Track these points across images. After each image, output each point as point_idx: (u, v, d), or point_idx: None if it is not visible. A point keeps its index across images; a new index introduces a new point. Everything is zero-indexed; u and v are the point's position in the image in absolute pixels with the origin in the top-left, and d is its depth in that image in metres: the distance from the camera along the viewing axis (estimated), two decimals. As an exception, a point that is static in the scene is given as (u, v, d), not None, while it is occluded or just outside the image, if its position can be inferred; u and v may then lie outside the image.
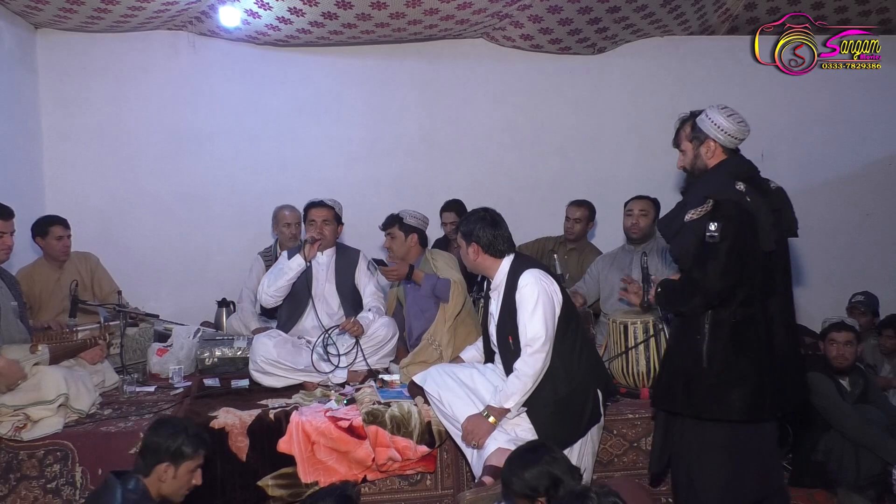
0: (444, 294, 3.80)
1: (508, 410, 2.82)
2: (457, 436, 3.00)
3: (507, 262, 2.98)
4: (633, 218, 4.14)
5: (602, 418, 3.00)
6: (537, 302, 2.80)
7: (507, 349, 2.94)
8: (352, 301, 4.01)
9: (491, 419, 2.82)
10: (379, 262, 3.99)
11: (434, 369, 3.20)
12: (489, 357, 3.21)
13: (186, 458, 2.39)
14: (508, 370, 2.90)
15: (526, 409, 2.85)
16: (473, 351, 3.36)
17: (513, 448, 2.73)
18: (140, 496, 2.31)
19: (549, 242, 4.92)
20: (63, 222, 4.29)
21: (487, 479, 2.67)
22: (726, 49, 5.74)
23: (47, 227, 4.22)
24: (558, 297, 2.89)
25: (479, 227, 2.96)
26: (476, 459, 2.88)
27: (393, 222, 3.99)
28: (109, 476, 2.35)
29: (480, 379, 3.05)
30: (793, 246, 6.07)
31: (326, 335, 3.74)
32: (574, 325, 2.95)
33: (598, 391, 2.94)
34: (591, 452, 2.98)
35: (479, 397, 2.97)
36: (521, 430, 2.86)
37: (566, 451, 2.83)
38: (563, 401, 2.85)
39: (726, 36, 5.74)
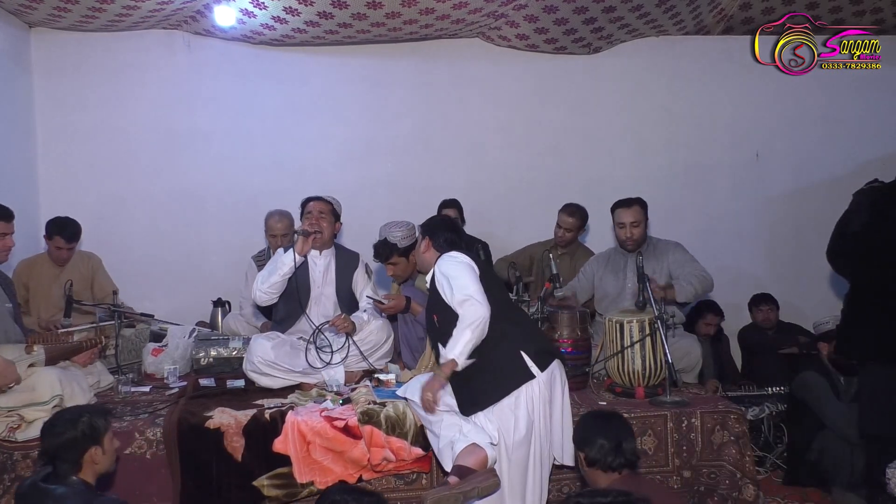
0: None
1: (455, 362, 2.80)
2: (434, 440, 3.00)
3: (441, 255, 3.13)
4: (626, 230, 4.02)
5: (540, 378, 2.89)
6: (454, 269, 2.95)
7: (433, 328, 3.10)
8: (349, 305, 3.96)
9: (439, 373, 2.85)
10: (376, 301, 3.89)
11: (414, 380, 3.22)
12: None
13: (104, 432, 2.40)
14: (435, 348, 3.06)
15: (474, 360, 2.86)
16: None
17: (484, 450, 2.76)
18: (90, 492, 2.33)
19: (539, 248, 4.91)
20: (67, 236, 4.33)
21: (452, 479, 2.67)
22: (722, 49, 5.76)
23: (52, 234, 4.33)
24: (473, 264, 3.00)
25: (437, 225, 3.25)
26: (448, 457, 2.86)
27: (391, 252, 3.88)
28: (39, 485, 2.30)
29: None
30: (787, 246, 6.16)
31: (317, 332, 3.72)
32: (491, 294, 2.97)
33: (523, 353, 2.90)
34: (544, 411, 2.91)
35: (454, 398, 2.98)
36: (490, 429, 2.86)
37: (504, 415, 2.85)
38: (477, 365, 2.87)
39: (721, 36, 5.75)
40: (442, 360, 2.86)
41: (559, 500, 3.13)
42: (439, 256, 3.09)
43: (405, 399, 3.20)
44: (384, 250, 3.90)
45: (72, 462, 2.33)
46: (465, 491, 2.59)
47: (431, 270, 3.10)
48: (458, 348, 2.79)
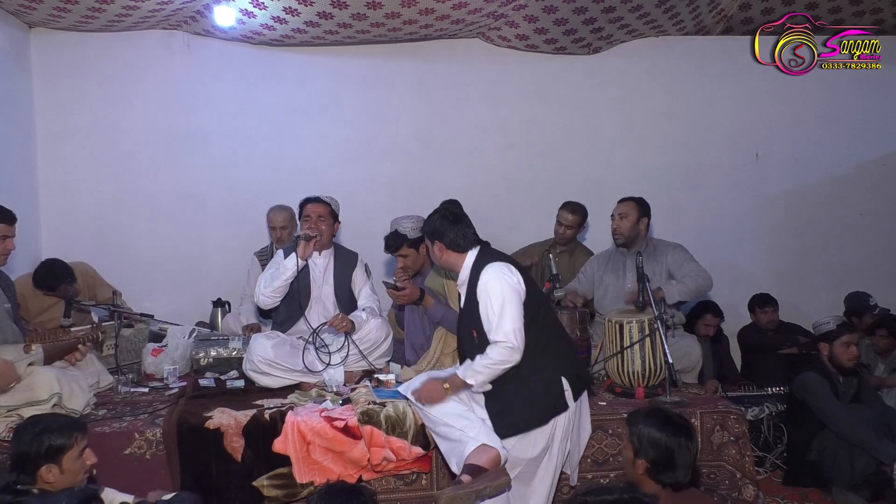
0: (451, 326, 3.75)
1: (469, 385, 2.86)
2: (441, 442, 2.98)
3: (471, 256, 2.99)
4: (613, 222, 4.10)
5: (570, 408, 2.91)
6: (504, 297, 2.81)
7: (470, 343, 2.96)
8: (348, 305, 3.97)
9: (446, 386, 2.90)
10: (389, 286, 3.87)
11: (419, 378, 3.17)
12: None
13: (64, 452, 2.29)
14: (462, 359, 2.98)
15: (490, 387, 2.87)
16: None
17: (495, 448, 2.75)
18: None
19: (538, 248, 4.91)
20: (71, 275, 4.04)
21: (465, 478, 2.66)
22: (721, 49, 5.76)
23: (55, 286, 4.02)
24: (522, 287, 2.88)
25: (440, 225, 3.00)
26: (456, 458, 2.86)
27: (401, 242, 3.85)
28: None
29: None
30: (787, 246, 6.16)
31: (315, 334, 3.72)
32: (540, 315, 2.94)
33: (564, 379, 2.88)
34: (564, 438, 2.92)
35: (462, 401, 2.97)
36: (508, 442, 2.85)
37: (526, 436, 2.83)
38: (517, 388, 2.85)
39: (721, 36, 5.75)
40: (461, 375, 2.85)
41: (564, 501, 3.13)
42: (482, 261, 2.93)
43: (407, 398, 3.20)
44: (394, 241, 3.90)
45: (28, 474, 2.27)
46: (477, 490, 2.59)
47: (465, 274, 2.98)
48: (480, 379, 2.82)
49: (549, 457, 2.89)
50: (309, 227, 3.82)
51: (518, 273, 2.91)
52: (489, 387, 2.87)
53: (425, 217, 3.20)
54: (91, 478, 2.45)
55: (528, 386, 2.84)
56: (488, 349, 2.81)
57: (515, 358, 2.80)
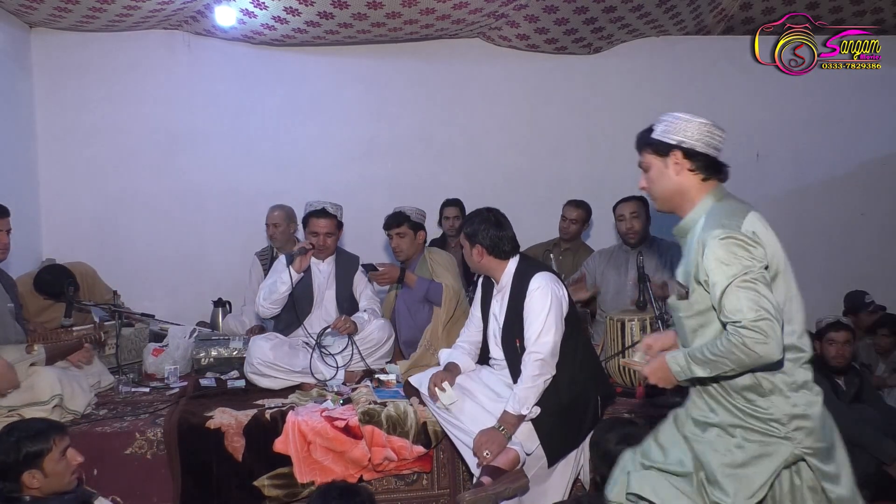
0: (436, 298, 3.80)
1: (523, 417, 2.78)
2: (455, 437, 2.98)
3: (512, 263, 2.98)
4: (626, 222, 4.05)
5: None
6: (550, 308, 2.80)
7: (513, 352, 2.93)
8: (349, 308, 3.99)
9: (503, 430, 2.76)
10: (369, 267, 3.93)
11: (427, 374, 3.16)
12: (484, 358, 3.19)
13: (43, 456, 2.22)
14: (514, 372, 2.90)
15: (540, 408, 2.81)
16: (468, 359, 3.20)
17: (514, 449, 2.75)
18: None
19: (540, 248, 4.92)
20: (73, 279, 3.96)
21: (486, 480, 2.66)
22: (722, 49, 5.76)
23: (60, 293, 3.88)
24: (566, 302, 2.89)
25: (482, 229, 2.94)
26: (475, 459, 2.87)
27: (402, 220, 3.94)
28: None
29: (477, 379, 3.05)
30: (787, 246, 6.11)
31: (318, 342, 3.73)
32: (576, 330, 2.94)
33: (599, 398, 2.94)
34: (585, 457, 2.99)
35: (477, 399, 2.97)
36: (518, 433, 2.84)
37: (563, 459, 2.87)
38: (566, 408, 2.84)
39: (722, 36, 5.75)
40: (510, 410, 2.77)
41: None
42: (528, 269, 2.92)
43: (405, 399, 3.19)
44: (395, 218, 3.97)
45: (12, 482, 2.22)
46: (498, 491, 2.61)
47: (506, 280, 2.97)
48: (529, 403, 2.77)
49: (566, 459, 2.91)
50: (317, 242, 3.84)
51: (564, 287, 2.93)
52: (538, 409, 2.80)
53: (430, 211, 3.16)
54: (80, 479, 2.41)
55: (572, 406, 2.86)
56: (522, 368, 2.80)
57: (548, 370, 2.79)
